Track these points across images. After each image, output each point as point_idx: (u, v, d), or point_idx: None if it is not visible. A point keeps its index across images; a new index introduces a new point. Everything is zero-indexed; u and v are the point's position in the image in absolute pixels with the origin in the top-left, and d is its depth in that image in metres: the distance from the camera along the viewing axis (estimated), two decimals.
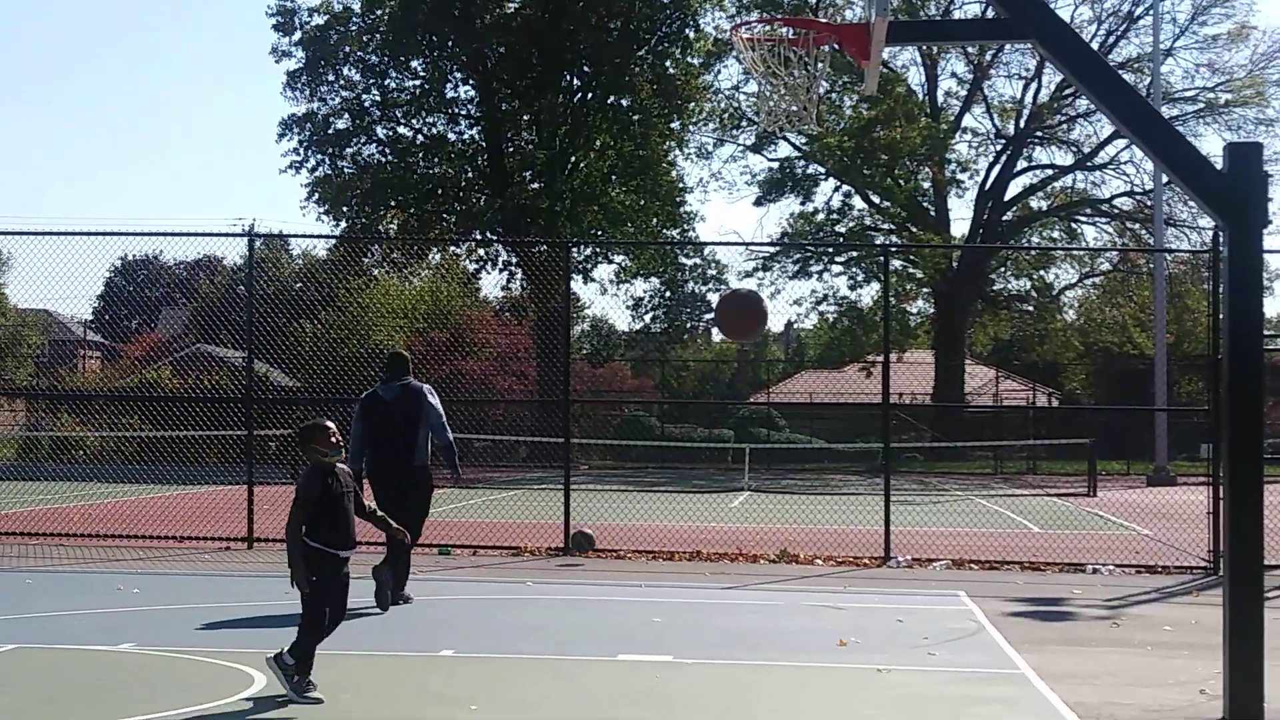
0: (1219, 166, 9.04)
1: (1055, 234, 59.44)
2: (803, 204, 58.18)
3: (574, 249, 48.81)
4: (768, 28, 10.23)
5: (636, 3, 53.34)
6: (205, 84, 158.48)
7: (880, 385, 19.23)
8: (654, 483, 36.43)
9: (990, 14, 11.73)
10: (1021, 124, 57.12)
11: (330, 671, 9.31)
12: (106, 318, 67.05)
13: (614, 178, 56.17)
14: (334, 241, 51.57)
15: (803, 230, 58.18)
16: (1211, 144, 57.01)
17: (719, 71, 57.26)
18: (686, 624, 12.49)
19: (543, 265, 44.07)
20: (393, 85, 55.90)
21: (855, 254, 55.56)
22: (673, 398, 57.90)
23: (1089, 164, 57.09)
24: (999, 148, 57.82)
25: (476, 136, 56.56)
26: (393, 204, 55.37)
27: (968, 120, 58.77)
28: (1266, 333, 26.39)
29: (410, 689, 8.69)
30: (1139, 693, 9.56)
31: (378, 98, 55.59)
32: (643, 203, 56.25)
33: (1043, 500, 31.89)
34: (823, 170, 56.92)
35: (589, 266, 56.43)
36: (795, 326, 74.07)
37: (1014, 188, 58.67)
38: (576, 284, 55.93)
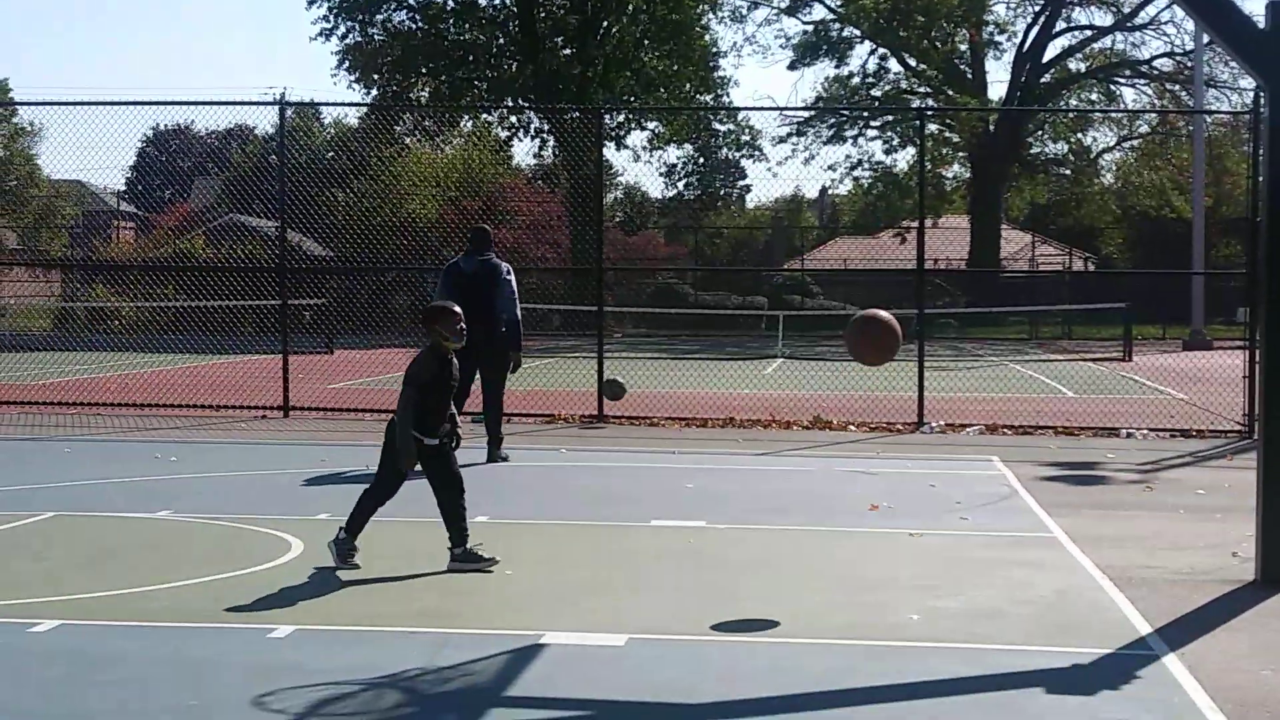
0: (1261, 25, 8.86)
1: (1093, 96, 58.67)
2: (837, 68, 57.52)
3: (606, 115, 48.44)
4: None
5: None
6: None
7: (915, 251, 19.11)
8: (687, 350, 36.48)
9: None
10: None
11: (363, 536, 9.38)
12: (139, 188, 66.98)
13: (646, 42, 55.55)
14: (365, 110, 51.28)
15: (837, 94, 57.54)
16: (1254, 3, 56.06)
17: None
18: (719, 490, 12.54)
19: (575, 132, 43.73)
20: None
21: (890, 118, 54.99)
22: (706, 265, 57.71)
23: (1129, 24, 56.11)
24: (1037, 8, 56.82)
25: (507, 1, 55.93)
26: (424, 71, 54.93)
27: None
28: None
29: (441, 551, 8.76)
30: (1171, 556, 9.57)
31: None
32: (676, 68, 55.69)
33: (1077, 365, 31.82)
34: (858, 33, 56.13)
35: (622, 133, 56.05)
36: (830, 192, 73.66)
37: (1052, 49, 57.84)
38: (609, 151, 55.65)
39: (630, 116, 54.81)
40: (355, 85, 55.25)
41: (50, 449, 15.43)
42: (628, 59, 54.47)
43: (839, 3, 53.58)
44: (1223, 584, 8.69)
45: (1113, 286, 46.18)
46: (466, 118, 53.86)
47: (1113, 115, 57.79)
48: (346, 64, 54.87)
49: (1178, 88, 55.01)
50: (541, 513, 11.24)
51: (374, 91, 54.84)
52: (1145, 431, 17.40)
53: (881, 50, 56.77)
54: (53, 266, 44.78)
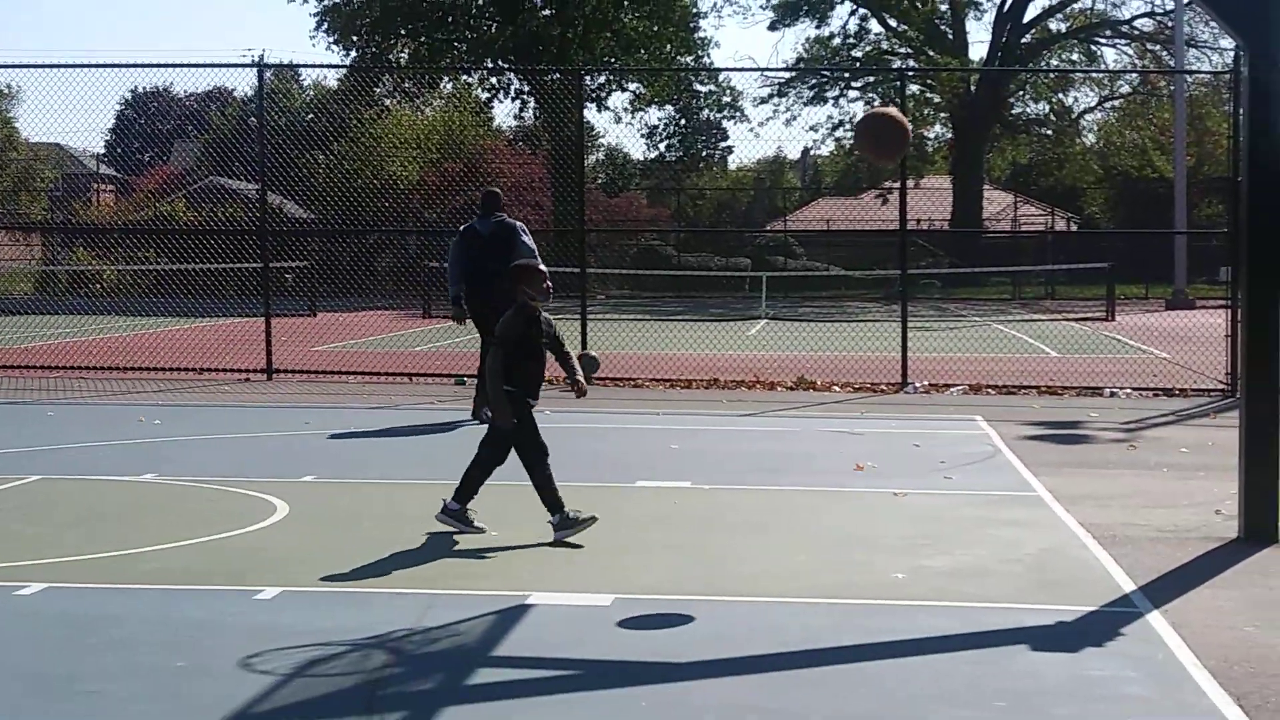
0: None
1: (1074, 56, 58.66)
2: (818, 28, 57.52)
3: (587, 77, 48.26)
4: None
5: None
6: None
7: (898, 212, 19.12)
8: (671, 312, 36.46)
9: None
10: None
11: (349, 498, 9.38)
12: (119, 151, 66.66)
13: (626, 3, 55.25)
14: (345, 72, 51.06)
15: (819, 55, 57.49)
16: None
17: None
18: (704, 451, 12.57)
19: (555, 94, 43.52)
20: None
21: (872, 79, 54.95)
22: (689, 227, 57.64)
23: None
24: None
25: None
26: (403, 32, 54.63)
27: None
28: None
29: (433, 513, 8.76)
30: (1155, 514, 9.62)
31: None
32: (656, 29, 55.46)
33: (1061, 325, 31.89)
34: None
35: (602, 95, 55.83)
36: (812, 153, 73.56)
37: (1033, 9, 57.81)
38: (590, 113, 55.42)
39: (611, 78, 54.62)
40: (334, 47, 55.02)
41: (34, 412, 15.40)
42: (608, 20, 54.21)
43: None
44: (1206, 541, 8.73)
45: (1095, 246, 46.30)
46: (446, 79, 53.66)
47: (1094, 75, 57.89)
48: (325, 25, 54.57)
49: (1159, 48, 55.02)
50: (523, 475, 11.23)
51: (353, 53, 54.55)
52: (1129, 390, 17.47)
53: (862, 11, 56.77)
54: (33, 230, 44.59)
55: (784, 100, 56.40)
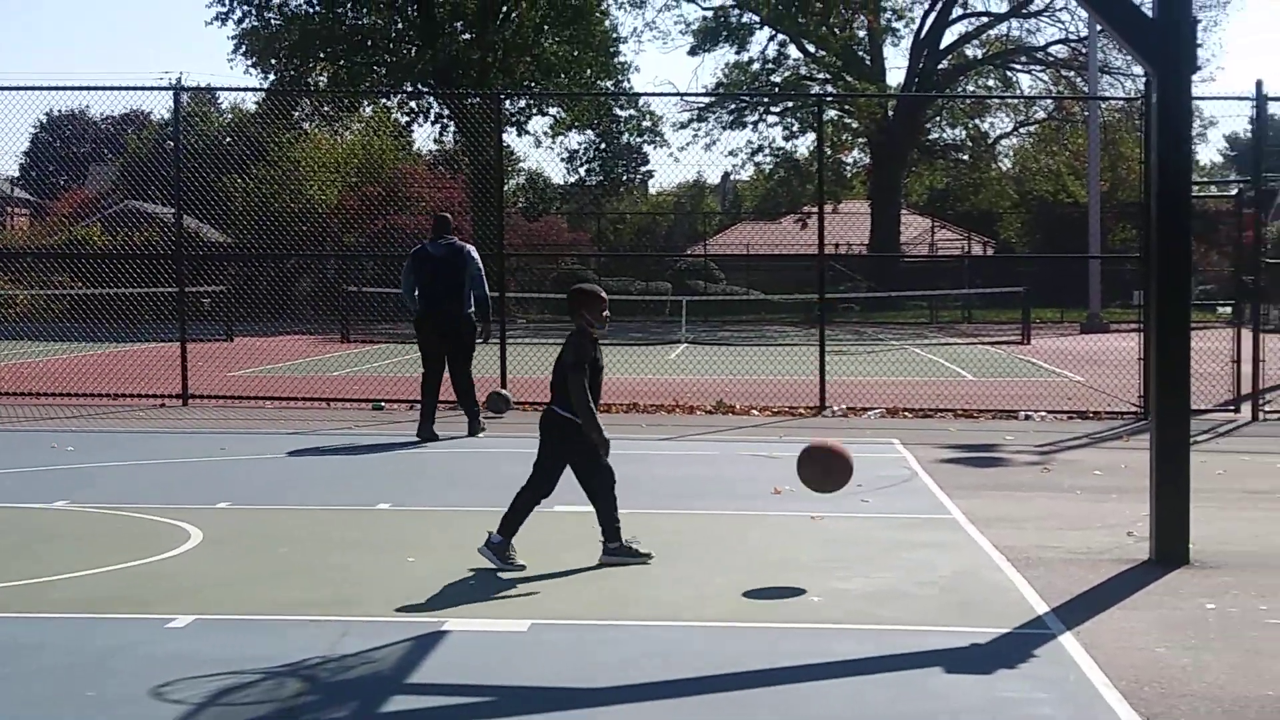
0: (1149, 14, 8.99)
1: (990, 83, 59.37)
2: (738, 54, 57.86)
3: (506, 101, 48.29)
4: None
5: None
6: None
7: (816, 236, 19.22)
8: None
9: None
10: None
11: (264, 524, 9.28)
12: (34, 174, 65.88)
13: (546, 27, 55.39)
14: (263, 95, 50.76)
15: (738, 80, 57.81)
16: None
17: None
18: (623, 475, 12.41)
19: (475, 118, 43.55)
20: None
21: (790, 104, 55.31)
22: (609, 251, 57.70)
23: (1024, 11, 56.83)
24: None
25: None
26: (322, 56, 54.45)
27: None
28: (1196, 179, 26.45)
29: (350, 539, 8.70)
30: (1068, 535, 9.70)
31: None
32: (576, 53, 55.59)
33: (977, 348, 32.17)
34: (757, 19, 56.42)
35: (522, 119, 55.89)
36: (731, 178, 73.91)
37: (949, 36, 58.48)
38: (510, 137, 55.48)
39: (531, 102, 54.67)
40: (252, 70, 54.69)
41: None
42: (528, 44, 54.28)
43: None
44: (1118, 563, 8.82)
45: (1012, 270, 46.82)
46: (366, 103, 53.49)
47: (1009, 101, 58.50)
48: (244, 48, 54.24)
49: (1073, 74, 55.77)
50: (447, 500, 11.21)
51: (271, 76, 54.25)
52: (1043, 414, 17.63)
53: (781, 36, 57.12)
54: None
55: (704, 125, 56.77)
